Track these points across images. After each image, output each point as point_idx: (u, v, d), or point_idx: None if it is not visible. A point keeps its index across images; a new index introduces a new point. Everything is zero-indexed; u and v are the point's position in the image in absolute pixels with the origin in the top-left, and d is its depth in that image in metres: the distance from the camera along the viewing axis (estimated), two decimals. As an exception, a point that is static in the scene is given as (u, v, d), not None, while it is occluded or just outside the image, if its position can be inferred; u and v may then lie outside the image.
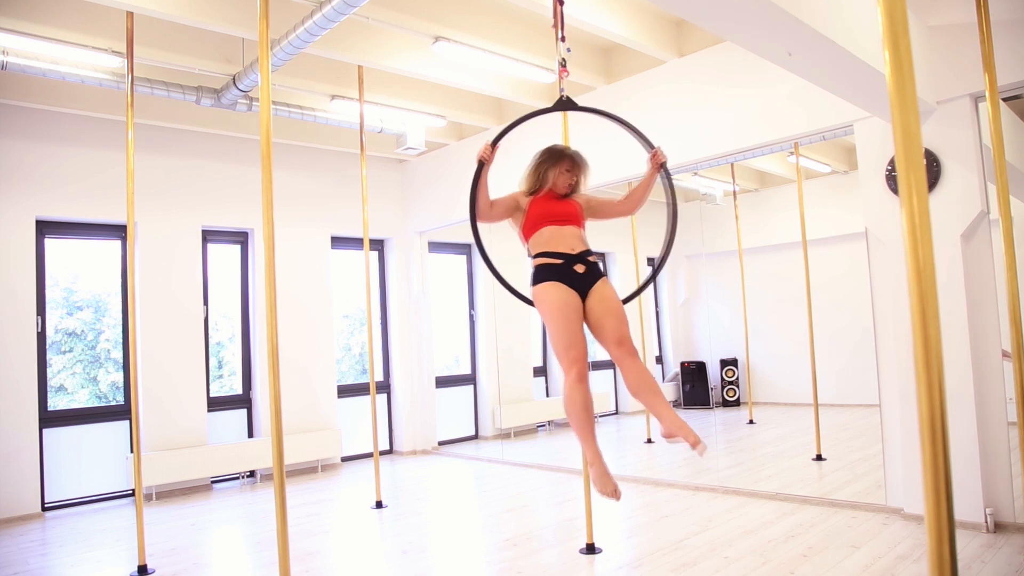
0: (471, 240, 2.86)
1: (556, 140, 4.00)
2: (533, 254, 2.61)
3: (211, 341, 6.44)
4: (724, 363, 7.33)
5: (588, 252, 2.60)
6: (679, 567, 3.48)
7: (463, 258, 8.16)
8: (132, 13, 4.16)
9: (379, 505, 5.13)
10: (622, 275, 7.86)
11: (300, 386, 6.61)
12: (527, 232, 2.65)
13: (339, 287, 7.30)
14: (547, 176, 2.67)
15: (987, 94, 3.31)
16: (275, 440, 2.54)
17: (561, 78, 2.87)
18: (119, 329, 6.01)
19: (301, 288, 6.77)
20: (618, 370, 2.52)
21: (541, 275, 2.55)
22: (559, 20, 2.93)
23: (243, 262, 6.71)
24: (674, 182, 2.80)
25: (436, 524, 4.77)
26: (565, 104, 2.78)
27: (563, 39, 2.92)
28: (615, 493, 2.45)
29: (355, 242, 7.32)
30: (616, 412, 8.44)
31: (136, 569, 3.82)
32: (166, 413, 5.86)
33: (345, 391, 7.17)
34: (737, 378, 7.26)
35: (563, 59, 2.88)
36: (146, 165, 5.82)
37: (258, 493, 5.88)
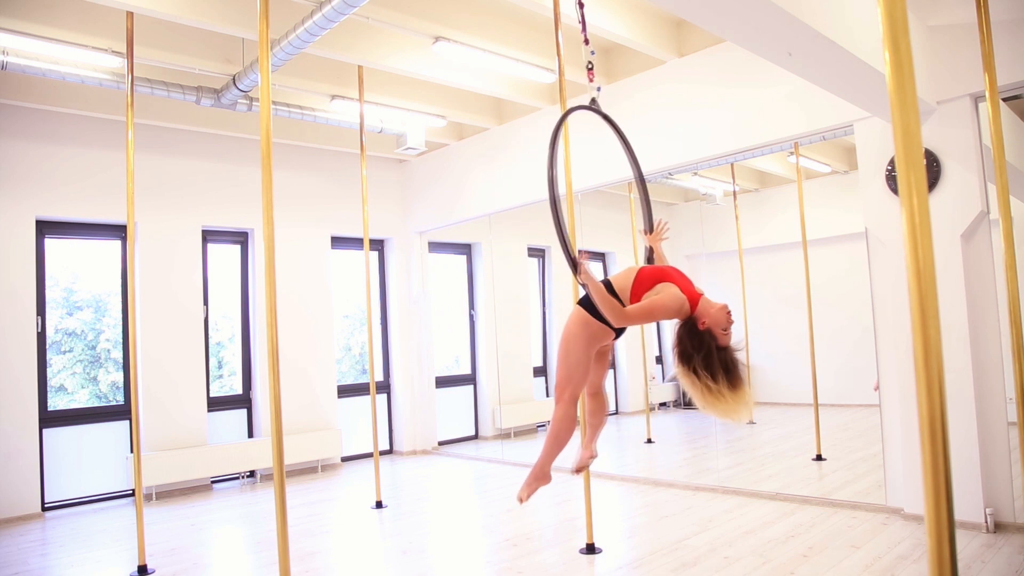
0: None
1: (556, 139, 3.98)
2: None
3: (211, 341, 6.43)
4: (724, 363, 7.31)
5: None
6: (679, 567, 3.48)
7: (463, 258, 8.15)
8: (132, 13, 4.16)
9: (379, 505, 5.13)
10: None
11: (300, 386, 6.61)
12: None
13: (339, 287, 7.30)
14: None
15: (987, 94, 3.31)
16: (275, 440, 2.54)
17: (590, 79, 2.88)
18: (119, 329, 6.01)
19: (301, 288, 6.77)
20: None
21: None
22: (583, 22, 2.95)
23: (243, 262, 6.70)
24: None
25: (436, 524, 4.77)
26: (594, 108, 2.76)
27: (587, 41, 2.93)
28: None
29: (355, 242, 7.32)
30: (616, 412, 8.42)
31: (136, 569, 3.83)
32: (166, 413, 5.86)
33: (345, 391, 7.17)
34: (737, 378, 7.24)
35: (590, 63, 2.89)
36: (146, 165, 5.82)
37: (258, 493, 5.88)
